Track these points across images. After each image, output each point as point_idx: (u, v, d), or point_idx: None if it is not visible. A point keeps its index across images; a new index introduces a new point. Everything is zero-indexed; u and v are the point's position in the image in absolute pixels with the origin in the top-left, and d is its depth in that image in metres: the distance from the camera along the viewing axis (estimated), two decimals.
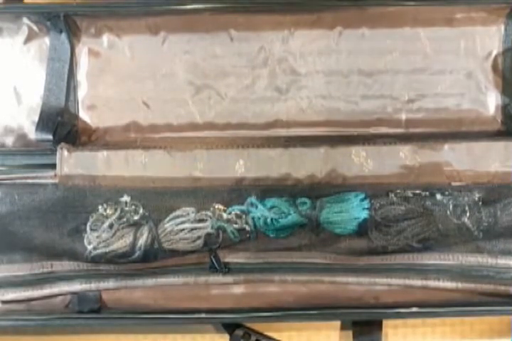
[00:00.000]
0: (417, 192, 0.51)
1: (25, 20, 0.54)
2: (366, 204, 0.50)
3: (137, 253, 0.50)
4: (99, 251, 0.50)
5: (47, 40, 0.54)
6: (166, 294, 0.49)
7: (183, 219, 0.51)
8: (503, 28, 0.55)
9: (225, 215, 0.51)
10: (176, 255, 0.50)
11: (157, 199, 0.52)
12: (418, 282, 0.47)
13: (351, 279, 0.48)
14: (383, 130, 0.56)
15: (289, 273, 0.48)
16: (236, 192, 0.52)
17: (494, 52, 0.55)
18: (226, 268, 0.48)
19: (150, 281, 0.48)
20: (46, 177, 0.52)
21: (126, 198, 0.52)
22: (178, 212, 0.52)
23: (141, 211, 0.52)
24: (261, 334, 0.51)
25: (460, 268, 0.47)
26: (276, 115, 0.56)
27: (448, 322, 0.52)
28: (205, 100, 0.56)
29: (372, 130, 0.56)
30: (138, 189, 0.52)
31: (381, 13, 0.54)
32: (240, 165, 0.52)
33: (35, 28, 0.54)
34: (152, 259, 0.50)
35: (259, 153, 0.52)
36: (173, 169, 0.52)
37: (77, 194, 0.52)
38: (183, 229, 0.51)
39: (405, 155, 0.52)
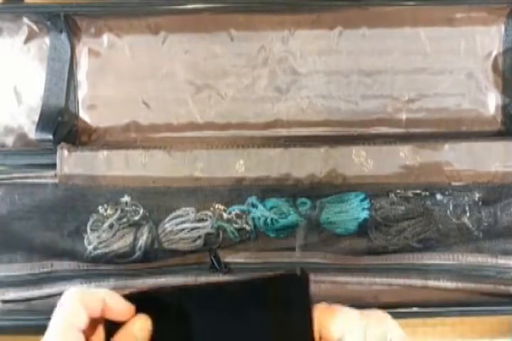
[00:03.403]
0: (417, 192, 0.51)
1: (25, 20, 0.54)
2: (366, 204, 0.50)
3: (137, 254, 0.50)
4: (99, 251, 0.50)
5: (47, 40, 0.54)
6: None
7: (183, 219, 0.51)
8: (503, 28, 0.55)
9: (225, 215, 0.51)
10: (176, 255, 0.50)
11: (157, 199, 0.52)
12: (418, 282, 0.47)
13: (351, 279, 0.48)
14: (383, 130, 0.56)
15: None
16: (236, 192, 0.52)
17: (494, 52, 0.55)
18: (226, 268, 0.48)
19: (150, 281, 0.48)
20: (46, 177, 0.52)
21: (126, 198, 0.52)
22: (178, 212, 0.52)
23: (141, 211, 0.52)
24: None
25: (460, 268, 0.47)
26: (276, 115, 0.56)
27: (448, 322, 0.52)
28: (205, 100, 0.56)
29: (372, 130, 0.56)
30: (138, 189, 0.52)
31: (381, 13, 0.54)
32: (240, 165, 0.52)
33: (35, 28, 0.54)
34: (152, 259, 0.50)
35: (259, 153, 0.52)
36: (173, 169, 0.52)
37: (77, 194, 0.52)
38: (183, 229, 0.51)
39: (405, 155, 0.52)
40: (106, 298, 0.31)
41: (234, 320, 0.32)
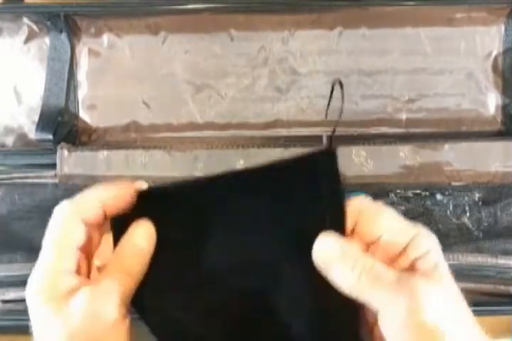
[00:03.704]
0: (417, 192, 0.51)
1: (25, 20, 0.54)
2: None
3: None
4: None
5: (47, 40, 0.54)
6: None
7: None
8: (503, 28, 0.55)
9: None
10: None
11: None
12: None
13: None
14: (383, 130, 0.56)
15: None
16: None
17: (494, 52, 0.55)
18: None
19: None
20: (46, 177, 0.52)
21: None
22: None
23: None
24: None
25: (460, 268, 0.47)
26: (276, 115, 0.56)
27: None
28: (205, 100, 0.56)
29: (372, 130, 0.56)
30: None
31: (381, 13, 0.54)
32: (240, 165, 0.52)
33: (35, 28, 0.54)
34: None
35: (259, 153, 0.52)
36: (173, 169, 0.52)
37: (77, 194, 0.52)
38: None
39: (405, 155, 0.51)
40: (102, 197, 0.28)
41: (258, 211, 0.28)
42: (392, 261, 0.27)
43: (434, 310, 0.25)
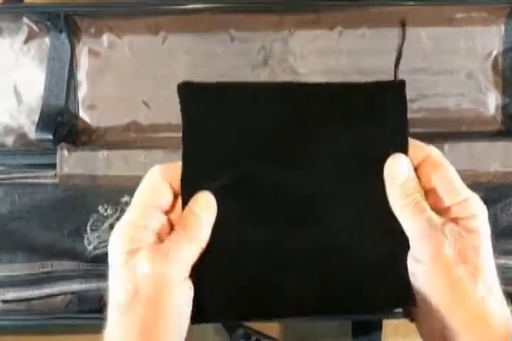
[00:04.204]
0: None
1: (25, 20, 0.54)
2: None
3: None
4: (99, 251, 0.50)
5: (47, 40, 0.54)
6: None
7: None
8: (503, 28, 0.55)
9: None
10: None
11: None
12: None
13: None
14: None
15: None
16: None
17: (494, 52, 0.55)
18: None
19: None
20: (46, 177, 0.52)
21: (126, 198, 0.52)
22: None
23: None
24: (261, 333, 0.51)
25: None
26: None
27: None
28: None
29: None
30: None
31: (381, 13, 0.54)
32: None
33: (35, 28, 0.54)
34: None
35: None
36: None
37: (77, 194, 0.52)
38: None
39: None
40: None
41: (318, 133, 0.29)
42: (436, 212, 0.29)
43: (457, 254, 0.28)
